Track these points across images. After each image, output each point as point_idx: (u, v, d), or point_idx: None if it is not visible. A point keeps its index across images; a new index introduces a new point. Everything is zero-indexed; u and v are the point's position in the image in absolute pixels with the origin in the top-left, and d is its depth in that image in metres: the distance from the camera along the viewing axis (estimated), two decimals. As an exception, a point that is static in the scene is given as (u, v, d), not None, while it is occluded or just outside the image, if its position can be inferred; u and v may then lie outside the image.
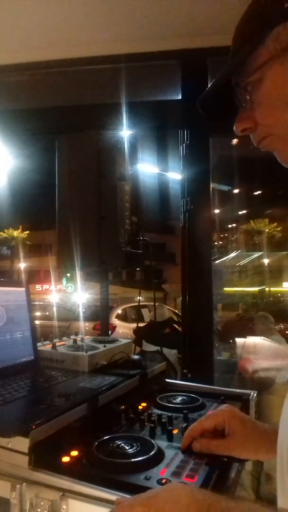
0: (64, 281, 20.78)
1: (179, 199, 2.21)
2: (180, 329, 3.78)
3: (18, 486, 0.77)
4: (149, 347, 3.44)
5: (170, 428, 1.00)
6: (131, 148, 1.62)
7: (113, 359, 1.34)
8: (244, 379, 2.95)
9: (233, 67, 0.66)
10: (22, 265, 27.33)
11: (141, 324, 5.09)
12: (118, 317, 9.63)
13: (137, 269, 1.68)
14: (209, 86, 0.69)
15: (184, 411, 1.09)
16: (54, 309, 9.77)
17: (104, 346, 1.38)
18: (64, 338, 1.51)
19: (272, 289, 21.81)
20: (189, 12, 1.88)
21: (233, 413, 0.92)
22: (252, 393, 1.30)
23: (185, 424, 1.01)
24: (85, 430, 0.97)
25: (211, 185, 2.19)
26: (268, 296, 20.17)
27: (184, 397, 1.25)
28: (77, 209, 1.54)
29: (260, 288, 20.49)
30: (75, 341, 1.44)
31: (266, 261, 23.68)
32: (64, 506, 0.75)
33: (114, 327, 8.51)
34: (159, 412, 1.13)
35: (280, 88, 0.61)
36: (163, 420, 1.05)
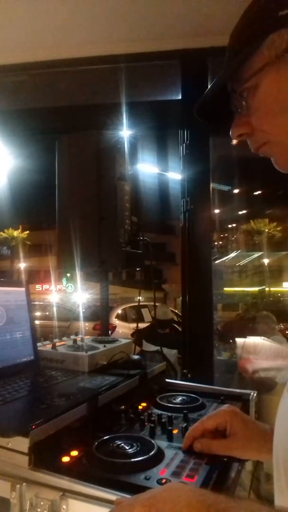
0: (64, 281, 20.77)
1: (179, 199, 2.21)
2: (180, 329, 3.78)
3: (18, 486, 0.77)
4: (149, 347, 3.44)
5: (170, 428, 1.00)
6: (131, 148, 1.62)
7: (113, 359, 1.34)
8: (245, 380, 2.95)
9: (229, 74, 0.66)
10: (22, 265, 27.34)
11: (141, 324, 5.09)
12: (118, 317, 9.64)
13: (137, 269, 1.68)
14: (205, 92, 0.70)
15: (184, 411, 1.09)
16: (54, 309, 9.78)
17: (104, 346, 1.38)
18: (64, 338, 1.51)
19: (272, 289, 21.81)
20: (189, 12, 1.88)
21: (235, 413, 0.92)
22: (252, 393, 1.30)
23: (185, 424, 1.01)
24: (85, 430, 0.97)
25: (211, 185, 2.19)
26: (268, 296, 20.17)
27: (184, 397, 1.25)
28: (77, 209, 1.54)
29: (260, 288, 20.49)
30: (75, 341, 1.44)
31: (266, 261, 23.69)
32: (64, 506, 0.75)
33: (114, 327, 8.52)
34: (159, 412, 1.13)
35: (275, 94, 0.62)
36: (163, 420, 1.05)
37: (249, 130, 0.67)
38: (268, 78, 0.61)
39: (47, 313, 9.65)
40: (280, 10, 0.58)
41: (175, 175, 2.47)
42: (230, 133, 0.69)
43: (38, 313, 9.05)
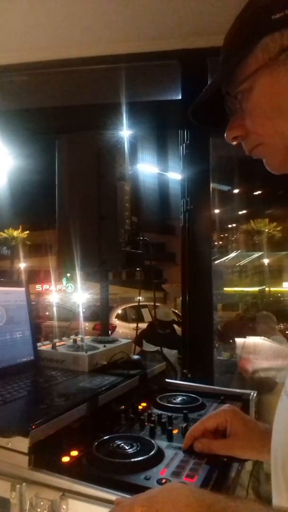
0: (64, 281, 20.75)
1: (179, 199, 2.21)
2: (180, 329, 3.78)
3: (18, 486, 0.77)
4: (149, 347, 3.45)
5: (170, 428, 1.00)
6: (131, 148, 1.61)
7: (113, 359, 1.34)
8: (245, 380, 2.95)
9: (223, 77, 0.67)
10: (22, 265, 27.31)
11: (140, 325, 5.09)
12: (118, 317, 9.65)
13: (137, 269, 1.68)
14: (200, 94, 0.70)
15: (184, 411, 1.09)
16: (54, 309, 9.78)
17: (104, 346, 1.38)
18: (64, 338, 1.51)
19: (272, 289, 21.80)
20: (189, 12, 1.88)
21: (235, 413, 0.92)
22: (252, 393, 1.30)
23: (185, 424, 1.01)
24: (85, 430, 0.97)
25: (211, 185, 2.19)
26: (268, 296, 20.15)
27: (184, 397, 1.25)
28: (77, 209, 1.54)
29: (260, 288, 20.47)
30: (75, 341, 1.44)
31: (266, 261, 23.68)
32: (64, 506, 0.75)
33: (114, 327, 8.52)
34: (159, 412, 1.13)
35: (269, 97, 0.62)
36: (163, 420, 1.05)
37: (243, 132, 0.67)
38: (262, 81, 0.62)
39: (47, 313, 9.66)
40: (273, 14, 0.58)
41: (175, 175, 2.48)
42: (225, 135, 0.70)
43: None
